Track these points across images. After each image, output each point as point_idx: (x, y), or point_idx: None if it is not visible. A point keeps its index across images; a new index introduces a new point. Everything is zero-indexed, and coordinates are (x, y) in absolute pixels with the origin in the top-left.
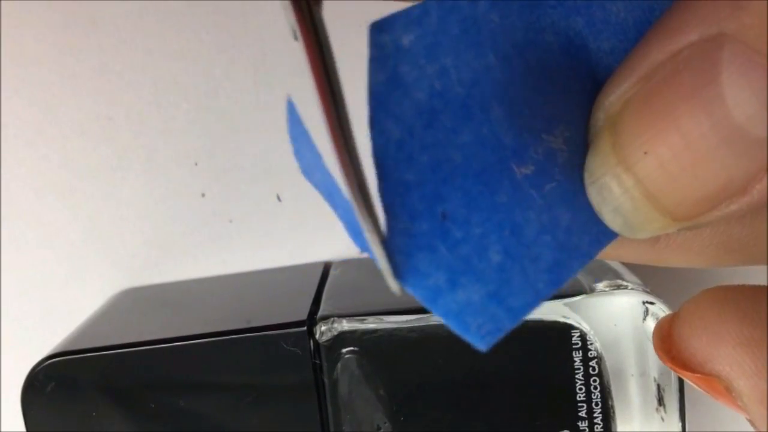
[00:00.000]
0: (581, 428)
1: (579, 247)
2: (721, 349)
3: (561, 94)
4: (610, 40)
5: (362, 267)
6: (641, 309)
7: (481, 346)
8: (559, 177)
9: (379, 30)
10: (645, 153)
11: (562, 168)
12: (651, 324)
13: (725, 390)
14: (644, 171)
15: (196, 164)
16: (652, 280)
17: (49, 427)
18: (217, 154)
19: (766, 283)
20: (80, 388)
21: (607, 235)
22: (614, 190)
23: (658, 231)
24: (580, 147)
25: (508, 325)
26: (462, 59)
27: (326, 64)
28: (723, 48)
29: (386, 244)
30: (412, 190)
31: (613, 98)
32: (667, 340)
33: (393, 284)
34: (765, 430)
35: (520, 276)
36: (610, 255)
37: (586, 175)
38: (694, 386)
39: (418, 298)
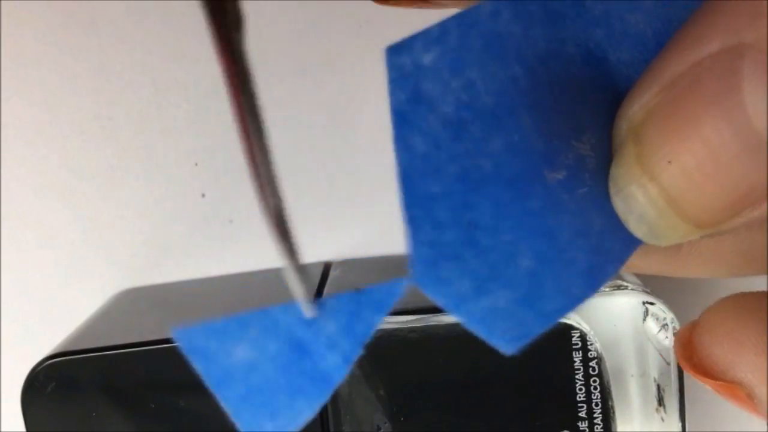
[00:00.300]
0: (581, 428)
1: (612, 251)
2: (743, 357)
3: (584, 103)
4: (629, 51)
5: (362, 267)
6: (641, 309)
7: (508, 350)
8: (590, 182)
9: (396, 52)
10: (669, 162)
11: (592, 173)
12: (651, 324)
13: (747, 397)
14: (668, 180)
15: (196, 164)
16: (652, 281)
17: (49, 428)
18: (218, 155)
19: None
20: (80, 389)
21: (635, 241)
22: (639, 198)
23: (682, 238)
24: (606, 155)
25: (538, 329)
26: (488, 71)
27: (246, 91)
28: (743, 57)
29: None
30: (438, 202)
31: (636, 108)
32: (688, 348)
33: (306, 309)
34: None
35: (553, 280)
36: (635, 266)
37: (611, 185)
38: (716, 394)
39: (440, 306)
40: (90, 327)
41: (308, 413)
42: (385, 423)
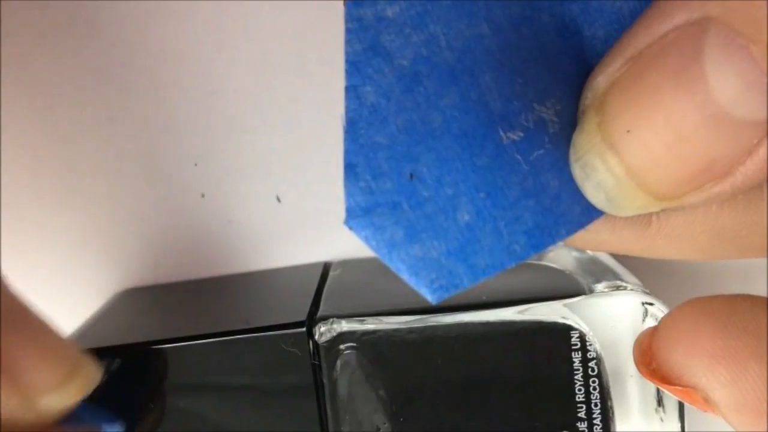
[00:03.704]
0: (580, 429)
1: (568, 215)
2: (697, 361)
3: (554, 72)
4: (605, 28)
5: (362, 267)
6: (641, 310)
7: (432, 299)
8: (549, 146)
9: (357, 5)
10: (628, 132)
11: (553, 137)
12: (650, 324)
13: (704, 400)
14: (627, 149)
15: (195, 165)
16: (652, 282)
17: None
18: (217, 155)
19: (765, 282)
20: None
21: (596, 210)
22: (598, 167)
23: (640, 209)
24: (572, 123)
25: (467, 282)
26: (453, 27)
27: None
28: (707, 31)
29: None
30: (380, 151)
31: (601, 78)
32: (647, 354)
33: None
34: None
35: (493, 236)
36: (603, 241)
37: (572, 152)
38: (675, 398)
39: (372, 250)
40: (89, 327)
41: None
42: (385, 423)
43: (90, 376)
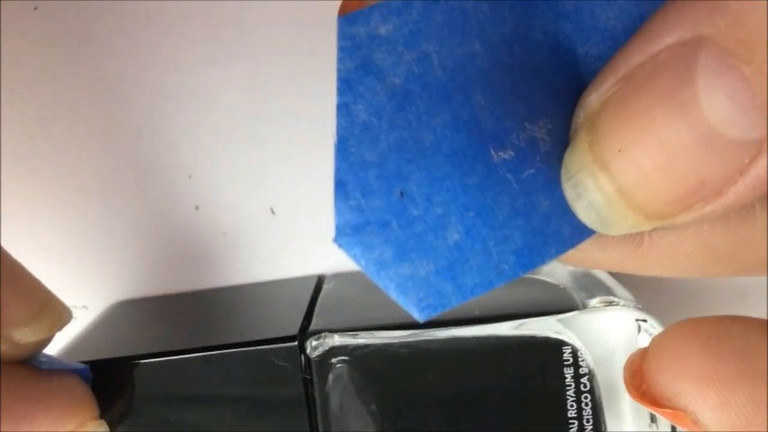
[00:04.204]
0: None
1: (558, 234)
2: (686, 384)
3: (547, 91)
4: (598, 46)
5: (355, 281)
6: (634, 326)
7: (420, 317)
8: (540, 165)
9: (349, 22)
10: (619, 151)
11: (545, 157)
12: (643, 341)
13: (693, 423)
14: (618, 169)
15: (189, 177)
16: (646, 297)
17: None
18: (211, 167)
19: (765, 300)
20: None
21: (587, 230)
22: (589, 186)
23: (631, 228)
24: (563, 142)
25: (455, 301)
26: (446, 45)
27: None
28: (699, 51)
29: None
30: (371, 169)
31: (593, 97)
32: (637, 376)
33: None
34: None
35: (482, 255)
36: (595, 259)
37: (563, 171)
38: (665, 419)
39: (361, 269)
40: (83, 339)
41: None
42: None
43: (60, 313)
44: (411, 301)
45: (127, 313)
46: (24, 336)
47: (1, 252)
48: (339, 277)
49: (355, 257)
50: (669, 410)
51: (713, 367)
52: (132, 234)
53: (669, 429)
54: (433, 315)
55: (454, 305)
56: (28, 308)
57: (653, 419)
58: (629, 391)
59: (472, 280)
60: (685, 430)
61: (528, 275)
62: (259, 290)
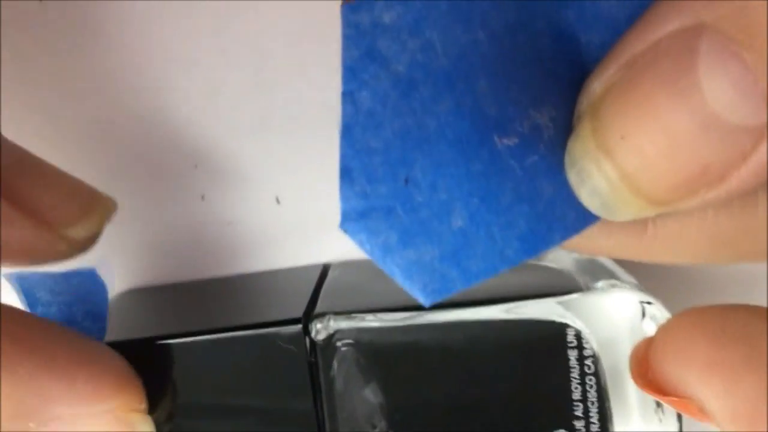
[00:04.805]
0: (577, 428)
1: (562, 220)
2: (692, 372)
3: (550, 79)
4: (601, 34)
5: (361, 268)
6: (638, 308)
7: (425, 302)
8: (544, 151)
9: (354, 10)
10: (622, 137)
11: (548, 143)
12: (648, 324)
13: (699, 411)
14: (621, 155)
15: (195, 167)
16: (648, 281)
17: None
18: (217, 157)
19: (765, 289)
20: None
21: (592, 216)
22: (593, 172)
23: (635, 214)
24: (567, 129)
25: (459, 286)
26: (449, 33)
27: None
28: (701, 38)
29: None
30: (376, 156)
31: (596, 84)
32: (643, 364)
33: None
34: None
35: (486, 241)
36: (599, 246)
37: (567, 158)
38: (672, 408)
39: (366, 254)
40: None
41: None
42: (381, 421)
43: (107, 206)
44: (416, 286)
45: (133, 301)
46: (77, 232)
47: (39, 159)
48: (345, 265)
49: (360, 243)
50: (675, 398)
51: (718, 356)
52: (138, 224)
53: (675, 414)
54: (438, 299)
55: (459, 290)
56: (77, 206)
57: (659, 404)
58: (635, 380)
59: (476, 265)
60: (691, 417)
61: (532, 261)
62: (264, 278)
